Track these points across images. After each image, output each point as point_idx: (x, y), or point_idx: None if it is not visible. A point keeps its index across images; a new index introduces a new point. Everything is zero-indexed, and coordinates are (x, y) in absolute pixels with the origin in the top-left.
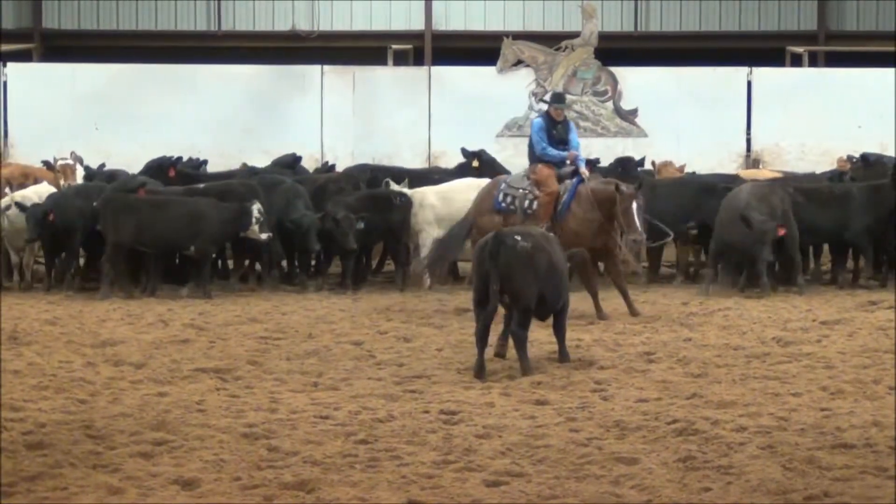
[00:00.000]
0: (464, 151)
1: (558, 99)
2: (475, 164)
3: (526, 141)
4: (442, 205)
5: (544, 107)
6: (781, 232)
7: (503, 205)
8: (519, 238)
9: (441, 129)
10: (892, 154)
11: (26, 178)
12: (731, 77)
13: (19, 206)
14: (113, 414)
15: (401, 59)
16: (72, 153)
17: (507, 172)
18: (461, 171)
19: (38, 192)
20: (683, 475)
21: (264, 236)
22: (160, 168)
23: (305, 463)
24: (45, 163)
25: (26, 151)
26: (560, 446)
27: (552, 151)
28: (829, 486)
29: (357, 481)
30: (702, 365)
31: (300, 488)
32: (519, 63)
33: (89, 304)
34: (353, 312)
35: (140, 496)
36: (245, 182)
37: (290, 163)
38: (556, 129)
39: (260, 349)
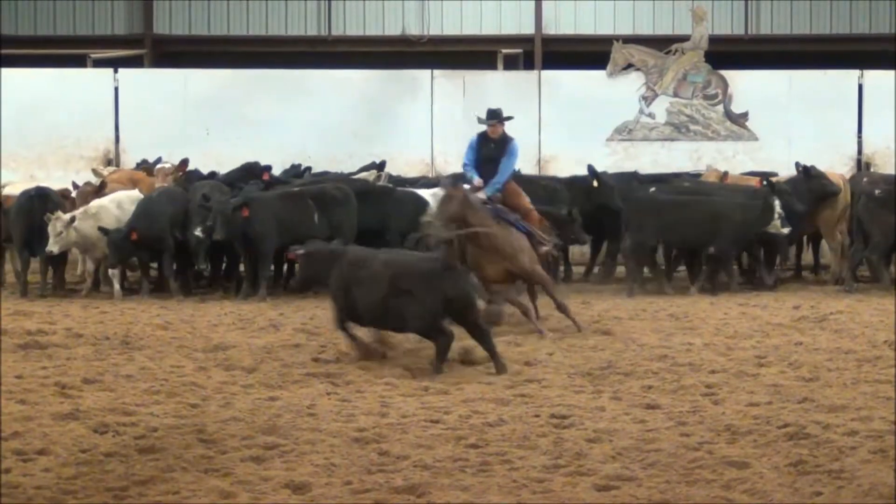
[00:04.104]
0: (590, 169)
1: (491, 115)
2: (595, 183)
3: (637, 146)
4: None
5: (653, 110)
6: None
7: None
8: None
9: (551, 133)
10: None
11: (134, 184)
12: (842, 80)
13: (102, 230)
14: (224, 418)
15: (511, 64)
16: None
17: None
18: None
19: (116, 200)
20: (794, 479)
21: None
22: (251, 172)
23: (416, 467)
24: (143, 163)
25: (137, 157)
26: (671, 450)
27: (469, 171)
28: None
29: (467, 485)
30: (813, 369)
31: (411, 492)
32: (629, 67)
33: (201, 309)
34: None
35: (251, 500)
36: (339, 186)
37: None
38: (488, 148)
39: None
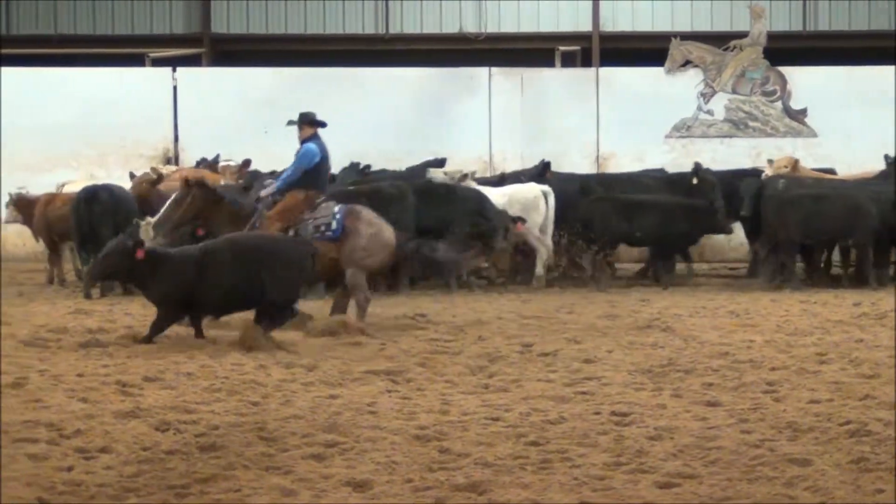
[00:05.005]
0: (696, 166)
1: (299, 118)
2: (694, 180)
3: (695, 142)
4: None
5: (712, 107)
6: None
7: None
8: None
9: (609, 130)
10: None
11: None
12: None
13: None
14: (285, 416)
15: (568, 61)
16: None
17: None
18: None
19: None
20: (857, 477)
21: None
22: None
23: (477, 465)
24: (202, 162)
25: (197, 156)
26: (732, 448)
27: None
28: None
29: (528, 483)
30: (874, 366)
31: (472, 490)
32: (687, 63)
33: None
34: (522, 314)
35: (313, 498)
36: (395, 184)
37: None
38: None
39: (430, 351)
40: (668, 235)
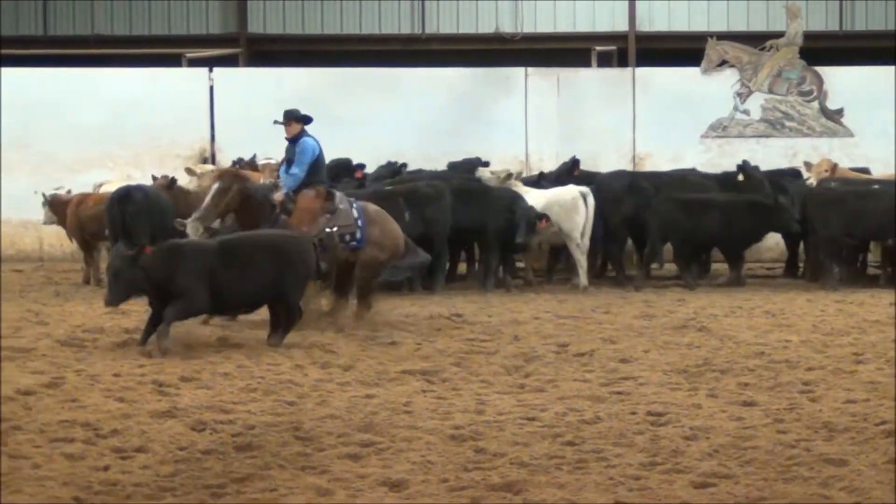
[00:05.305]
0: (745, 164)
1: (285, 115)
2: (740, 177)
3: (731, 142)
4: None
5: (748, 107)
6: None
7: None
8: None
9: (645, 130)
10: None
11: None
12: None
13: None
14: (321, 416)
15: (605, 61)
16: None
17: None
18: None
19: None
20: (893, 477)
21: None
22: (347, 168)
23: (512, 464)
24: (238, 162)
25: (233, 156)
26: (768, 448)
27: (281, 177)
28: None
29: (564, 483)
30: None
31: (507, 490)
32: (723, 63)
33: None
34: (558, 314)
35: (348, 497)
36: (433, 183)
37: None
38: (289, 151)
39: (466, 351)
40: (733, 234)
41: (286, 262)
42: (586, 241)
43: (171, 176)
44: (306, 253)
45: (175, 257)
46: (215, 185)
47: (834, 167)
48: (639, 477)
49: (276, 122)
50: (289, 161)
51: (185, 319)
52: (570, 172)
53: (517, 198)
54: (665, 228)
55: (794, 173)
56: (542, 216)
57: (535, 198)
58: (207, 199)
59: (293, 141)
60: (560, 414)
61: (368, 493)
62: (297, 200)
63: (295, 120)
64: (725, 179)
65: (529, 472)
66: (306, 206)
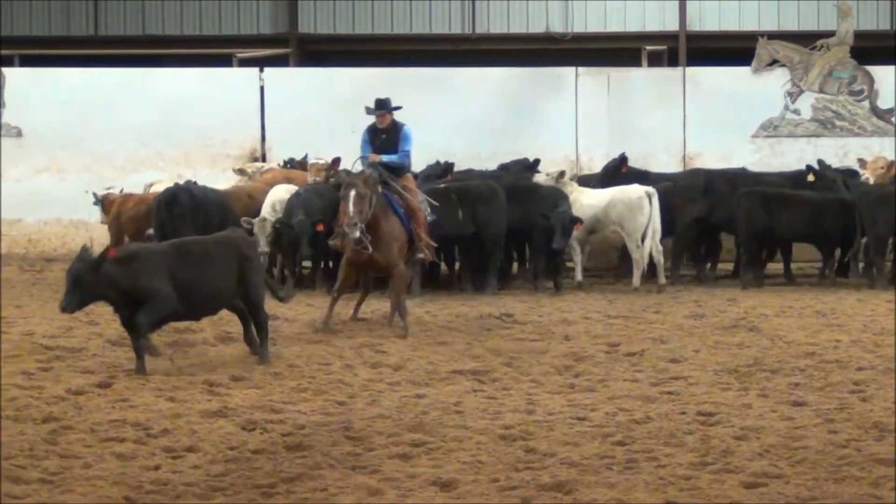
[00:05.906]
0: (821, 164)
1: (378, 105)
2: (810, 177)
3: (782, 142)
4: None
5: (799, 106)
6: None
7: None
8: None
9: (696, 130)
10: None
11: (289, 182)
12: None
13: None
14: (371, 415)
15: (655, 60)
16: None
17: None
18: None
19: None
20: None
21: None
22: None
23: (563, 464)
24: (289, 161)
25: (284, 155)
26: (818, 448)
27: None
28: None
29: (614, 483)
30: None
31: (558, 489)
32: (774, 63)
33: (348, 306)
34: (608, 314)
35: (399, 497)
36: (487, 182)
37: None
38: (379, 139)
39: (516, 350)
40: (822, 232)
41: (244, 261)
42: (649, 243)
43: (246, 171)
44: (256, 253)
45: (134, 262)
46: (352, 192)
47: (890, 164)
48: (689, 477)
49: (367, 110)
50: (383, 150)
51: (159, 325)
52: (617, 169)
53: (562, 199)
54: (753, 224)
55: (850, 173)
56: (577, 220)
57: (598, 196)
58: (350, 205)
59: (386, 130)
60: (610, 414)
61: (418, 492)
62: (406, 180)
63: (389, 110)
64: (796, 179)
65: (579, 472)
66: (413, 185)
